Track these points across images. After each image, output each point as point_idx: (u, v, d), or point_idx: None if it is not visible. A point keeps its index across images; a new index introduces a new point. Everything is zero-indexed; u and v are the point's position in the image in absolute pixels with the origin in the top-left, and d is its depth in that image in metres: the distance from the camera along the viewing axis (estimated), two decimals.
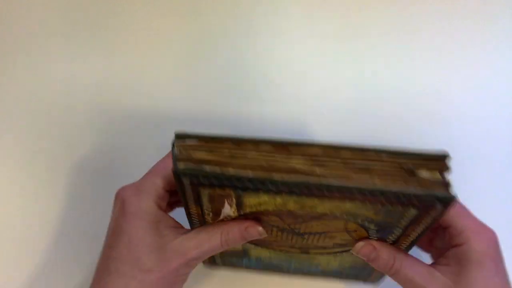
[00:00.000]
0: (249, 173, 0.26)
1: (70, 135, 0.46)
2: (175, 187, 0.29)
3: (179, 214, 0.33)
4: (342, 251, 0.33)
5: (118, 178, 0.35)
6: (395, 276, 0.31)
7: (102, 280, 0.31)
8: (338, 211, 0.27)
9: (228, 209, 0.29)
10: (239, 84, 0.46)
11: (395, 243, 0.30)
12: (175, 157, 0.27)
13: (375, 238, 0.30)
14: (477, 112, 0.45)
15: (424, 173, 0.25)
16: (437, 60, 0.45)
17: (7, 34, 0.47)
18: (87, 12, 0.47)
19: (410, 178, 0.25)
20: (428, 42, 0.45)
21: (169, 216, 0.33)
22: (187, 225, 0.32)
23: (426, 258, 0.33)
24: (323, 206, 0.27)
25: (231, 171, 0.26)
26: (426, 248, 0.34)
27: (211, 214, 0.30)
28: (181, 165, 0.26)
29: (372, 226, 0.29)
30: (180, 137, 0.27)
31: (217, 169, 0.26)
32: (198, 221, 0.31)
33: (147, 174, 0.33)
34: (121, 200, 0.32)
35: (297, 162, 0.26)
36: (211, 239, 0.32)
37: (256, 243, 0.34)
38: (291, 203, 0.27)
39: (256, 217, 0.30)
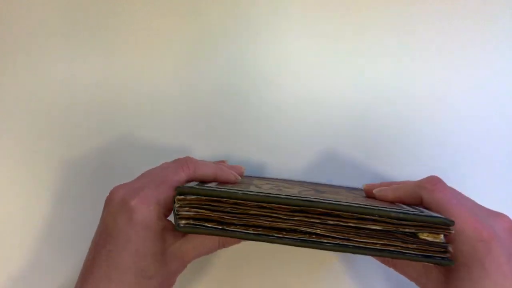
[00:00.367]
0: (251, 231, 0.28)
1: (70, 135, 0.46)
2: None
3: None
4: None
5: (118, 178, 0.35)
6: (394, 267, 0.34)
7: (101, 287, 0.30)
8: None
9: None
10: (239, 84, 0.46)
11: None
12: (176, 214, 0.29)
13: None
14: (477, 112, 0.45)
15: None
16: (437, 60, 0.45)
17: (7, 34, 0.47)
18: (87, 12, 0.47)
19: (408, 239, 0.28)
20: (428, 42, 0.45)
21: (169, 220, 0.32)
22: None
23: None
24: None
25: (233, 228, 0.28)
26: None
27: None
28: (182, 222, 0.28)
29: None
30: (181, 193, 0.28)
31: (218, 227, 0.28)
32: None
33: (160, 183, 0.32)
34: (128, 208, 0.31)
35: (298, 224, 0.28)
36: (209, 242, 0.32)
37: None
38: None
39: None
